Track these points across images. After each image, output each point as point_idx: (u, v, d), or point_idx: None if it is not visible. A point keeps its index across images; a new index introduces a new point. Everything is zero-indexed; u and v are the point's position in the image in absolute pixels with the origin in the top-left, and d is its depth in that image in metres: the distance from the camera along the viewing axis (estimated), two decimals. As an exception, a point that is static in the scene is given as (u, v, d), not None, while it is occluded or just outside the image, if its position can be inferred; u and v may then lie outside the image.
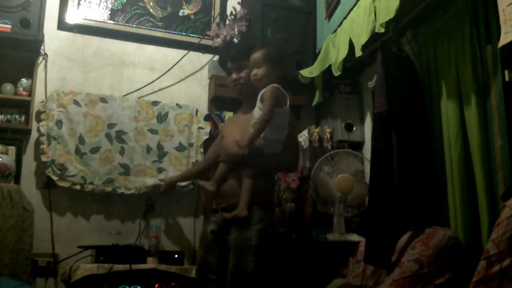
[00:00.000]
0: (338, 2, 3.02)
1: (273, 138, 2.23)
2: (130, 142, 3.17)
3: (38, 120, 3.07)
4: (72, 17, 3.31)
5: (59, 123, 3.04)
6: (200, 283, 2.32)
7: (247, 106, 2.36)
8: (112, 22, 3.41)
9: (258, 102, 2.23)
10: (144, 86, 3.39)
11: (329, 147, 3.22)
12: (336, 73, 2.85)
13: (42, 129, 3.01)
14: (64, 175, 3.00)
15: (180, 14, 3.60)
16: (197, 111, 3.34)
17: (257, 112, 2.22)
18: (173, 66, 3.47)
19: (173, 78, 3.47)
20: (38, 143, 3.07)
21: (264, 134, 2.19)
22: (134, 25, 3.46)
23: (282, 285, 2.77)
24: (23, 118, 3.04)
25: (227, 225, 2.24)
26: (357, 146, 3.32)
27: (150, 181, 3.18)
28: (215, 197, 2.35)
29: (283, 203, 3.28)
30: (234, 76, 2.37)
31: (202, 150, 3.29)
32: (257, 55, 2.31)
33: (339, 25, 2.94)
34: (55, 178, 2.99)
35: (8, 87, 3.01)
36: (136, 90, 3.36)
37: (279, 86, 2.24)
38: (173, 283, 2.75)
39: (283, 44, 3.31)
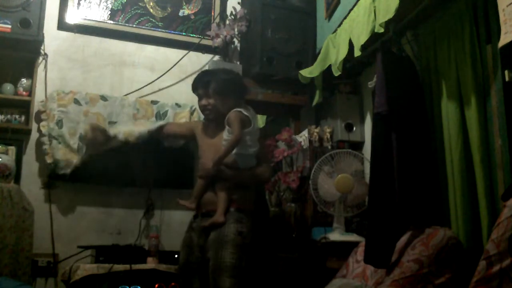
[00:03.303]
0: (338, 2, 3.03)
1: (246, 153, 2.50)
2: None
3: (38, 120, 3.06)
4: (72, 17, 3.31)
5: (59, 122, 3.03)
6: (184, 281, 2.52)
7: (218, 128, 2.59)
8: (112, 22, 3.41)
9: (226, 126, 2.50)
10: (144, 86, 3.39)
11: (329, 147, 3.22)
12: (336, 73, 2.85)
13: (44, 130, 3.00)
14: (68, 172, 2.99)
15: (180, 14, 3.60)
16: (194, 110, 3.33)
17: (226, 134, 2.49)
18: (173, 66, 3.47)
19: (173, 78, 3.47)
20: (39, 143, 3.05)
21: (237, 150, 2.47)
22: (134, 25, 3.46)
23: (280, 285, 2.79)
24: (23, 118, 3.03)
25: (206, 230, 2.46)
26: (357, 146, 3.32)
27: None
28: (196, 207, 2.55)
29: (283, 203, 3.29)
30: (202, 102, 2.61)
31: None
32: (206, 87, 2.58)
33: (339, 25, 2.94)
34: (61, 172, 2.98)
35: (8, 87, 3.00)
36: (136, 90, 3.36)
37: (241, 110, 2.51)
38: (173, 283, 2.75)
39: (283, 44, 3.31)
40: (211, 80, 2.58)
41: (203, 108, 2.63)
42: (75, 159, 3.02)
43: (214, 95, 2.56)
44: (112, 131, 2.84)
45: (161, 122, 3.04)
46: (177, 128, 2.95)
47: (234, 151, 2.47)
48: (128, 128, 2.94)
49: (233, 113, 2.50)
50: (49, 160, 2.98)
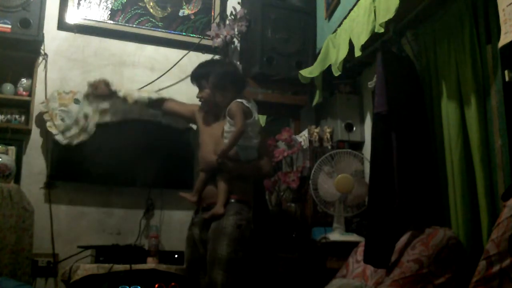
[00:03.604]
0: (338, 2, 3.03)
1: (247, 145, 2.50)
2: None
3: (41, 122, 3.04)
4: (72, 17, 3.31)
5: (63, 120, 3.04)
6: (191, 279, 2.54)
7: (215, 118, 2.64)
8: (112, 22, 3.41)
9: (227, 118, 2.49)
10: (144, 86, 3.38)
11: (329, 147, 3.22)
12: (336, 73, 2.85)
13: (52, 130, 2.98)
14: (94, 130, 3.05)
15: (180, 14, 3.60)
16: None
17: (228, 126, 2.47)
18: (173, 66, 3.46)
19: (173, 78, 3.47)
20: (47, 142, 3.05)
21: (240, 142, 2.46)
22: (134, 25, 3.45)
23: (280, 285, 2.79)
24: (23, 118, 3.03)
25: (208, 223, 2.46)
26: (357, 146, 3.32)
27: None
28: (197, 200, 2.57)
29: (283, 203, 3.29)
30: (204, 93, 2.67)
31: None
32: (202, 79, 2.64)
33: (339, 25, 2.94)
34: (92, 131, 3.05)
35: (8, 87, 3.00)
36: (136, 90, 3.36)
37: (242, 101, 2.51)
38: (173, 283, 2.75)
39: (283, 44, 3.31)
40: (208, 73, 2.61)
41: (199, 99, 2.69)
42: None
43: (213, 88, 2.58)
44: (114, 87, 3.00)
45: (163, 95, 3.10)
46: (178, 106, 3.00)
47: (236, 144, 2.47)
48: (130, 90, 3.07)
49: (234, 104, 2.49)
50: (79, 138, 3.00)
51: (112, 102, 3.08)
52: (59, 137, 2.98)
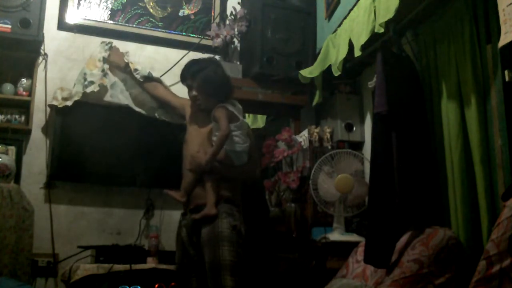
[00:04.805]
0: (338, 2, 3.03)
1: (239, 150, 2.49)
2: None
3: (41, 122, 3.08)
4: (72, 17, 3.31)
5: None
6: (183, 281, 2.51)
7: (205, 118, 2.58)
8: (112, 22, 3.41)
9: (213, 122, 2.49)
10: (144, 86, 3.38)
11: (329, 147, 3.22)
12: (336, 73, 2.85)
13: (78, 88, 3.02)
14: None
15: (180, 14, 3.60)
16: None
17: (215, 129, 2.48)
18: (173, 66, 3.46)
19: (173, 78, 3.46)
20: (47, 143, 3.08)
21: (229, 147, 2.46)
22: (134, 25, 3.46)
23: (280, 285, 2.79)
24: (23, 118, 3.03)
25: (197, 225, 2.42)
26: (357, 146, 3.32)
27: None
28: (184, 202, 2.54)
29: (283, 203, 3.29)
30: (193, 92, 2.60)
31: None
32: (192, 79, 2.58)
33: (339, 25, 2.94)
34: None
35: (8, 87, 3.00)
36: (136, 90, 3.36)
37: (225, 105, 2.50)
38: (173, 283, 2.75)
39: (283, 44, 3.31)
40: (195, 75, 2.57)
41: (194, 99, 2.62)
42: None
43: (198, 91, 2.57)
44: (127, 59, 3.12)
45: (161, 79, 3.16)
46: (170, 95, 3.01)
47: (228, 148, 2.46)
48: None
49: (217, 109, 2.49)
50: (104, 81, 3.03)
51: (117, 78, 3.10)
52: (78, 88, 2.99)
